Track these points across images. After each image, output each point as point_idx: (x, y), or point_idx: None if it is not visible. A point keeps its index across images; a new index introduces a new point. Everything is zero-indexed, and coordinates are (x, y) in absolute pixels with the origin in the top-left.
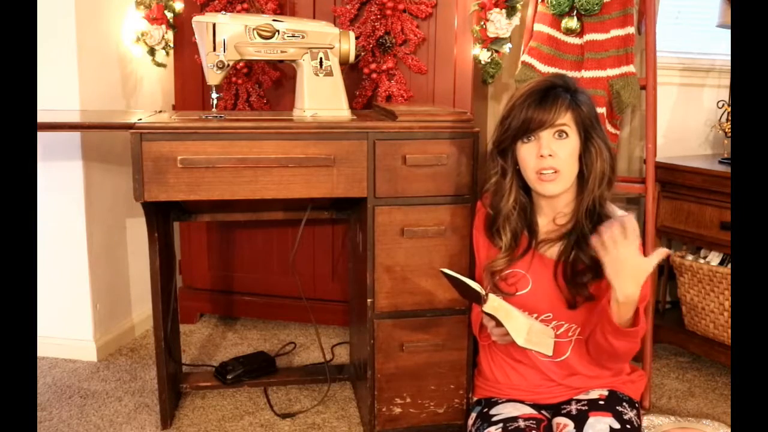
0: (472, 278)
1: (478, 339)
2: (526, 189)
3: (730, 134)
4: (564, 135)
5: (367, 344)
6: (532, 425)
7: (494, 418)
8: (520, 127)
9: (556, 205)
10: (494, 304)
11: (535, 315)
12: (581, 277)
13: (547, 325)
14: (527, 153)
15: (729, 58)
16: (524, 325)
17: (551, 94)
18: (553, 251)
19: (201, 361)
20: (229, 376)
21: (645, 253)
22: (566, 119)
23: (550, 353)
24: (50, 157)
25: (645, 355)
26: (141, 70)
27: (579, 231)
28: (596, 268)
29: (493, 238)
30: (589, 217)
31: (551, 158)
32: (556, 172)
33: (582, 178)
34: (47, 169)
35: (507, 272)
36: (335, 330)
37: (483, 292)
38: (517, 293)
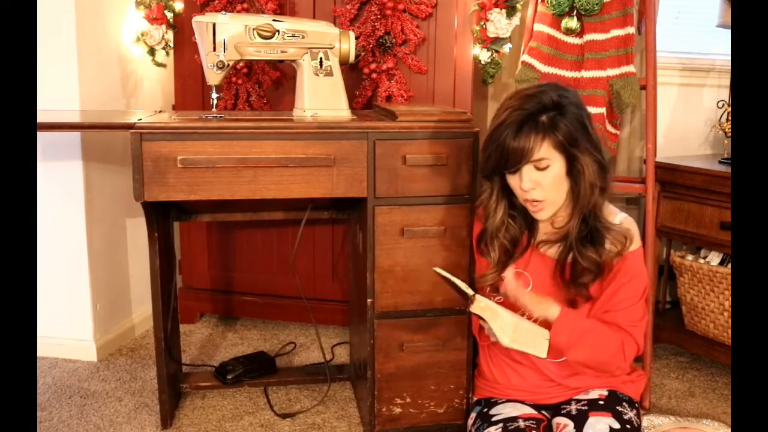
0: (474, 282)
1: (477, 340)
2: None
3: (730, 134)
4: (545, 167)
5: (367, 344)
6: (532, 425)
7: (494, 418)
8: (497, 162)
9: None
10: (481, 305)
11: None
12: (581, 277)
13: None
14: (513, 182)
15: (729, 58)
16: (509, 325)
17: (525, 128)
18: (553, 251)
19: (201, 361)
20: (229, 376)
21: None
22: (543, 151)
23: (544, 355)
24: (50, 157)
25: (645, 355)
26: (141, 70)
27: (575, 235)
28: (596, 270)
29: (483, 254)
30: (584, 222)
31: (534, 191)
32: (540, 201)
33: (575, 189)
34: (47, 169)
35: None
36: (335, 330)
37: (470, 293)
38: None
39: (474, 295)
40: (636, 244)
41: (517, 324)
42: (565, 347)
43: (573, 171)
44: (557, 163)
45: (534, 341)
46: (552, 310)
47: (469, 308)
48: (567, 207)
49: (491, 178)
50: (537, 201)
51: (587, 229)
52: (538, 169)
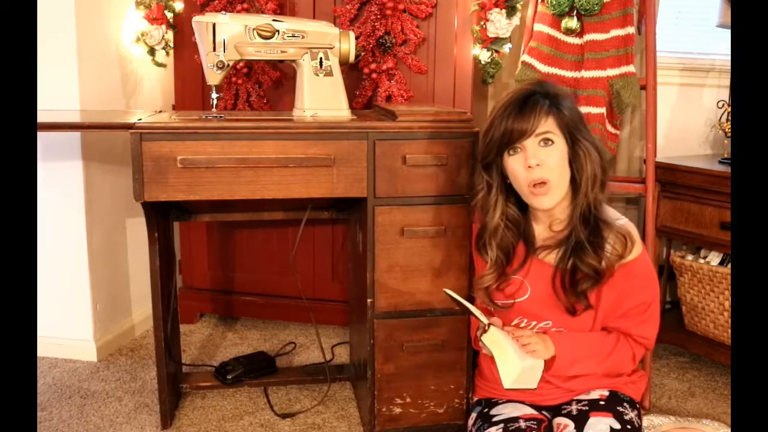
0: (472, 287)
1: (473, 342)
2: (518, 200)
3: (730, 134)
4: (549, 142)
5: (367, 344)
6: (533, 425)
7: (495, 419)
8: (501, 138)
9: (552, 212)
10: (494, 338)
11: (534, 322)
12: (580, 285)
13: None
14: (515, 165)
15: (729, 58)
16: (516, 367)
17: (530, 102)
18: (551, 257)
19: (201, 361)
20: (229, 376)
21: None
22: (548, 125)
23: (535, 386)
24: (50, 157)
25: (645, 355)
26: (141, 70)
27: (575, 238)
28: (595, 276)
29: (482, 253)
30: (584, 223)
31: (539, 168)
32: (545, 183)
33: (575, 183)
34: (47, 169)
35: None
36: (335, 330)
37: (485, 322)
38: (516, 300)
39: (488, 325)
40: (638, 248)
41: (523, 366)
42: (568, 371)
43: (575, 159)
44: (560, 144)
45: (532, 376)
46: (552, 349)
47: (481, 337)
48: (567, 207)
49: (490, 168)
50: (542, 183)
51: (588, 229)
52: (543, 143)
